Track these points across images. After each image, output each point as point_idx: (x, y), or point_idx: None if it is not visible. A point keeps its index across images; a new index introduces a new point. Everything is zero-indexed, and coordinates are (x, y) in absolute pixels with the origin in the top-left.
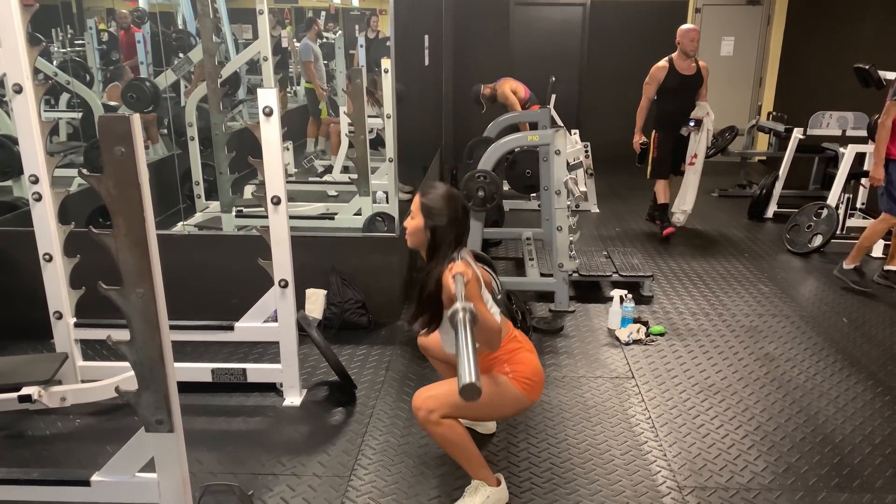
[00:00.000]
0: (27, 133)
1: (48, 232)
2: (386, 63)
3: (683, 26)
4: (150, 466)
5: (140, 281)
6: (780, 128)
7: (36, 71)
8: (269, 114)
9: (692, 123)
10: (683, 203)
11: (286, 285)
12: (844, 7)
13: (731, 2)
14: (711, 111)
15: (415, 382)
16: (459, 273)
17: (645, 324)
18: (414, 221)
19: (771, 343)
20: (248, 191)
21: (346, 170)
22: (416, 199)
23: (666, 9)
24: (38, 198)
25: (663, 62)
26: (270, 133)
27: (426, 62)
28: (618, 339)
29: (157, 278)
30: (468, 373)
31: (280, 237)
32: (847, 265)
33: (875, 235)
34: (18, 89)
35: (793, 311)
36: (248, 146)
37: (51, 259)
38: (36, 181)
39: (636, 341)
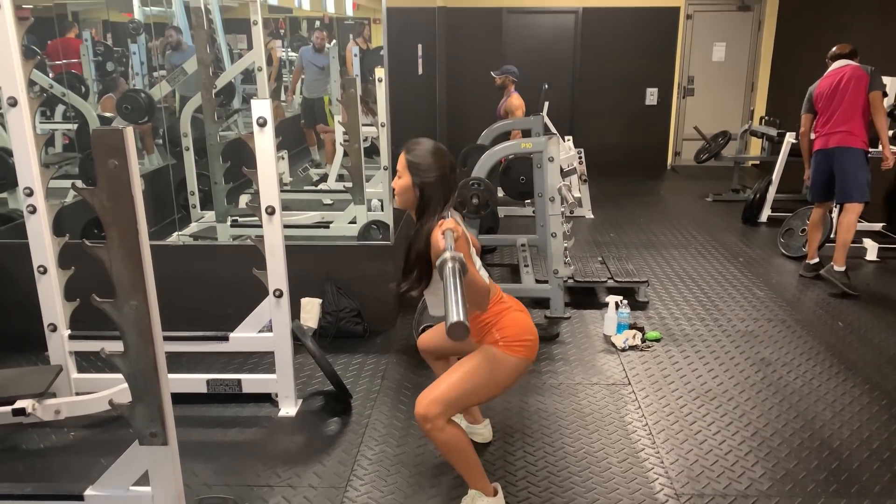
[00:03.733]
0: (22, 146)
1: (43, 244)
2: (380, 72)
3: None
4: (144, 479)
5: (133, 293)
6: (773, 132)
7: (31, 83)
8: (262, 124)
9: None
10: None
11: (281, 295)
12: (834, 12)
13: (721, 8)
14: None
15: (411, 391)
16: (449, 229)
17: (641, 329)
18: (402, 180)
19: (767, 348)
20: (244, 200)
21: (341, 178)
22: (402, 158)
23: (657, 15)
24: (33, 210)
25: None
26: (264, 143)
27: (420, 71)
28: (614, 345)
29: (151, 290)
30: (456, 313)
31: (274, 247)
32: (838, 267)
33: (851, 227)
34: (13, 102)
35: (788, 315)
36: (243, 156)
37: (45, 271)
38: (30, 194)
39: (632, 347)
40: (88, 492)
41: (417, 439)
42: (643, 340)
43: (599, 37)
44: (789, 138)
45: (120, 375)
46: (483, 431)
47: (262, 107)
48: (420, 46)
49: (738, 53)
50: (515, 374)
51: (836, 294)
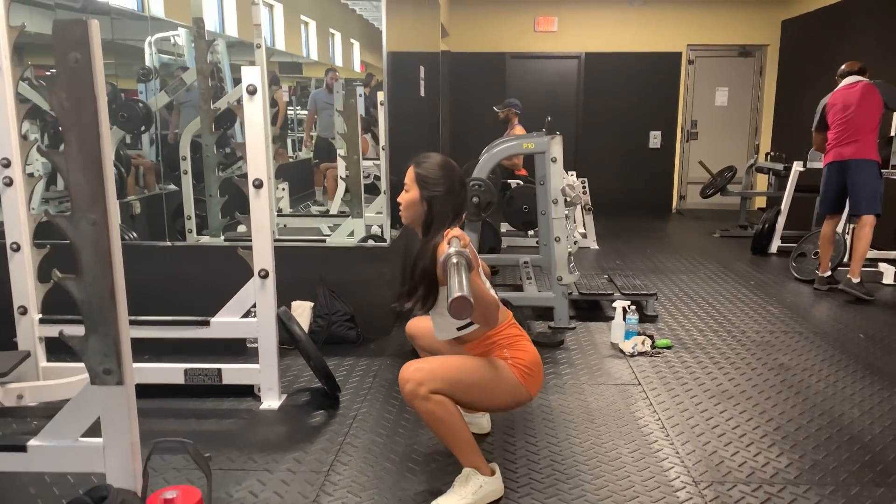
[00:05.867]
0: (2, 115)
1: (17, 219)
2: (381, 95)
3: None
4: (96, 430)
5: (92, 206)
6: (780, 167)
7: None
8: (253, 92)
9: None
10: None
11: (266, 276)
12: (835, 55)
13: (722, 54)
14: None
15: None
16: (455, 237)
17: (650, 337)
18: (409, 194)
19: (785, 355)
20: (242, 229)
21: (342, 214)
22: (411, 171)
23: (659, 60)
24: (9, 182)
25: None
26: (254, 113)
27: (422, 92)
28: (622, 351)
29: (112, 205)
30: (459, 288)
31: (261, 224)
32: (854, 279)
33: (867, 239)
34: None
35: (805, 328)
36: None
37: (18, 248)
38: (8, 165)
39: (641, 353)
40: (32, 442)
41: (410, 430)
42: (653, 346)
43: (602, 81)
44: (797, 167)
45: None
46: (481, 421)
47: (252, 74)
48: (422, 69)
49: (740, 98)
50: (512, 396)
51: (850, 301)
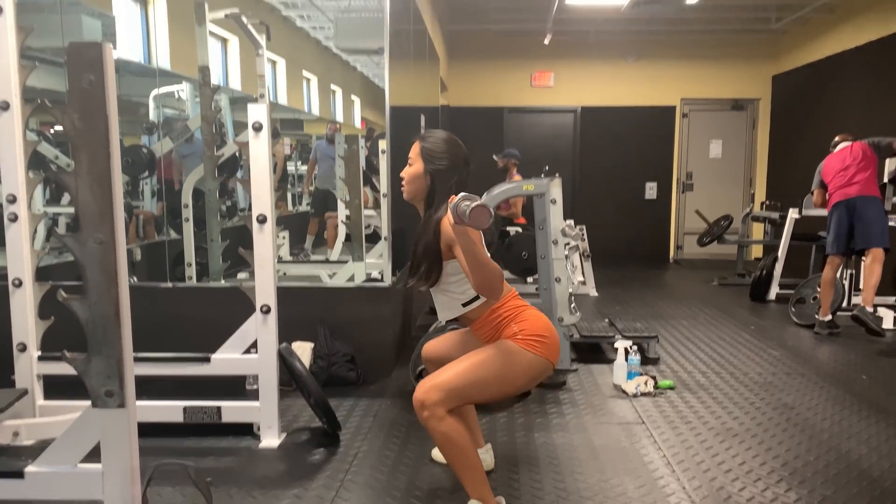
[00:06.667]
0: (10, 151)
1: (21, 255)
2: (382, 144)
3: None
4: (96, 455)
5: (100, 225)
6: (775, 215)
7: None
8: (258, 129)
9: None
10: None
11: (268, 311)
12: (825, 106)
13: (716, 107)
14: None
15: (405, 428)
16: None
17: (653, 378)
18: (413, 168)
19: (789, 395)
20: (242, 276)
21: (342, 262)
22: (416, 146)
23: (653, 114)
24: (14, 218)
25: None
26: (259, 149)
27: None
28: (624, 391)
29: (119, 225)
30: (479, 200)
31: (264, 259)
32: (868, 307)
33: (878, 273)
34: (5, 106)
35: (808, 370)
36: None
37: (20, 284)
38: (13, 200)
39: (644, 394)
40: (30, 469)
41: (412, 467)
42: (656, 387)
43: (598, 134)
44: (793, 213)
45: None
46: (485, 457)
47: (258, 111)
48: (422, 117)
49: (734, 149)
50: (531, 372)
51: (864, 333)
